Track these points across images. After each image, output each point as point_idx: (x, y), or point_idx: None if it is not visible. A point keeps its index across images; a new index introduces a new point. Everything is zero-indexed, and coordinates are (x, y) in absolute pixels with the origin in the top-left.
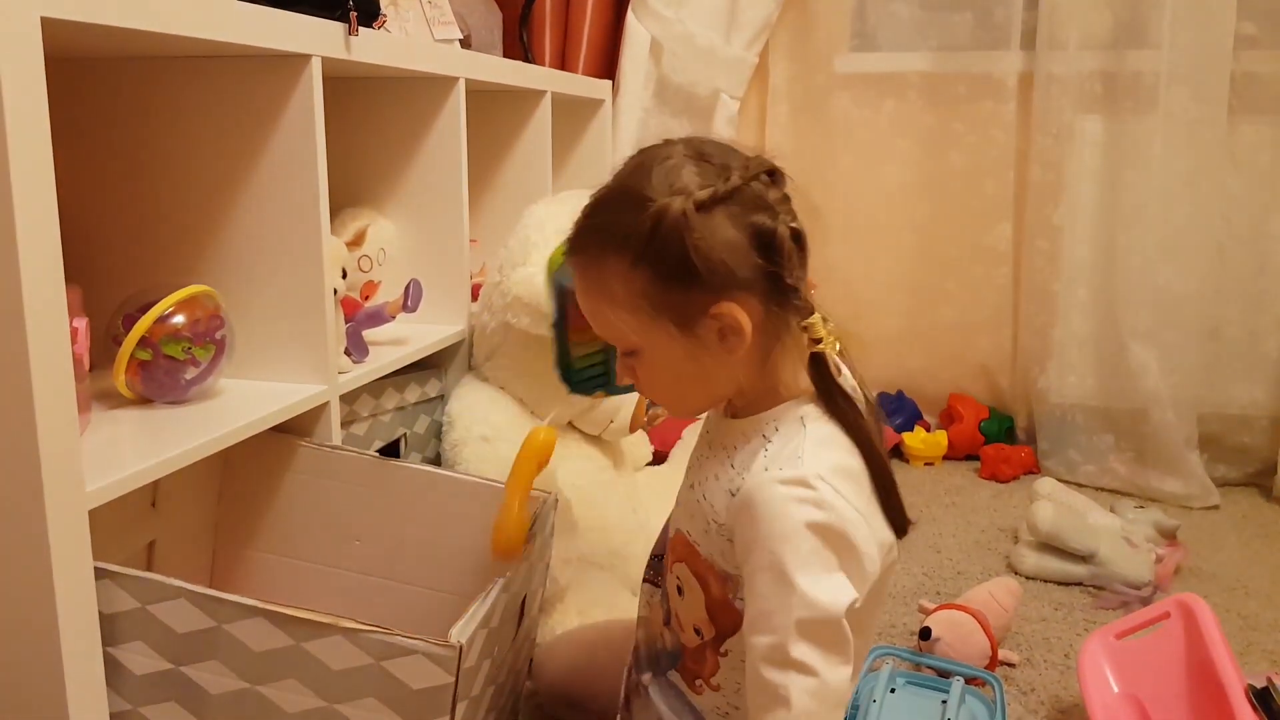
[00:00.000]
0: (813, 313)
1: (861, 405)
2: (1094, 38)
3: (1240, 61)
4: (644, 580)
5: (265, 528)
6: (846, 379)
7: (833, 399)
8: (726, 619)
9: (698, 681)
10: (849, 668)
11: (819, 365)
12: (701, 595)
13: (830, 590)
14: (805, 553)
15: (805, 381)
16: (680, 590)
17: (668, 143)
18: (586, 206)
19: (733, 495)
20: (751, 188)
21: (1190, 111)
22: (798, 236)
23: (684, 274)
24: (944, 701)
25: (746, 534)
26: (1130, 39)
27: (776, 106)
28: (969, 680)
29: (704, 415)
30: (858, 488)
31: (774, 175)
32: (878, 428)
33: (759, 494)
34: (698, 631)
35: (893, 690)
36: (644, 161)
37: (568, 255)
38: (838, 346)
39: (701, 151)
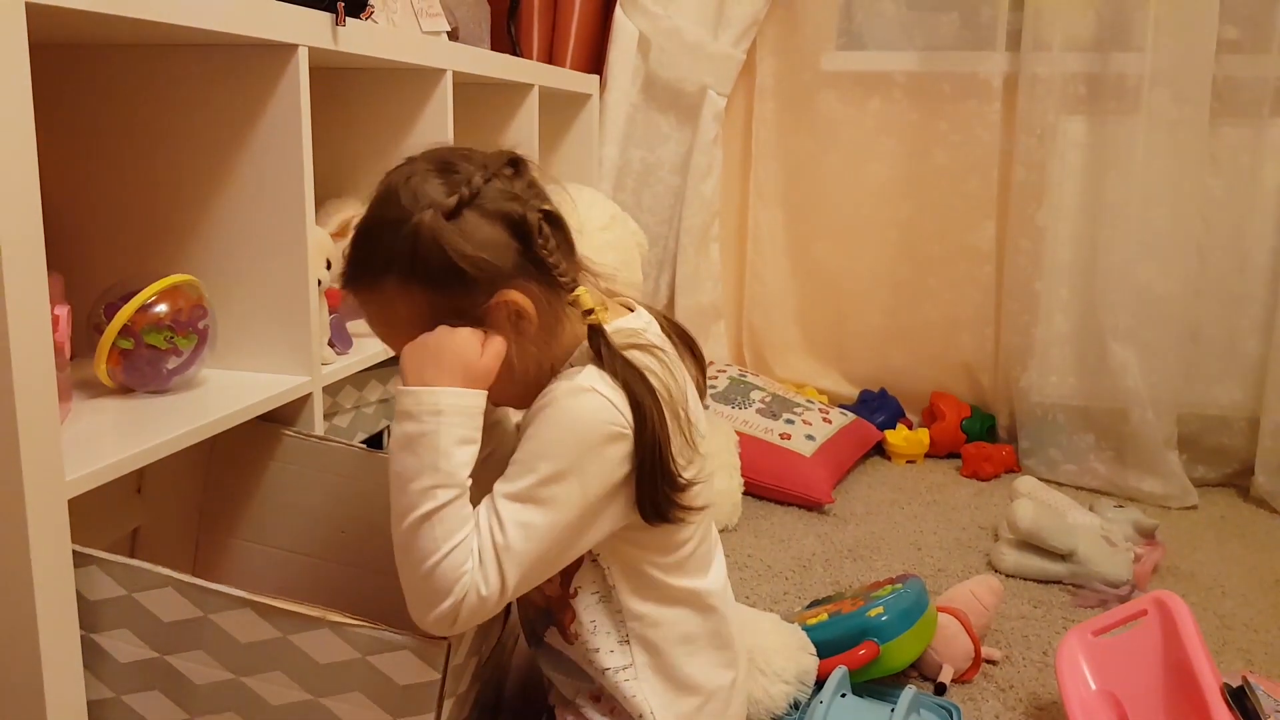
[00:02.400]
0: (576, 286)
1: (662, 377)
2: (1078, 39)
3: (1222, 65)
4: None
5: (250, 516)
6: (663, 353)
7: (612, 365)
8: None
9: (570, 631)
10: None
11: (596, 338)
12: None
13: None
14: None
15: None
16: None
17: (409, 161)
18: (351, 240)
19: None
20: (493, 185)
21: (1172, 113)
22: (550, 218)
23: (455, 278)
24: (891, 710)
25: (533, 422)
26: (1114, 41)
27: (763, 103)
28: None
29: None
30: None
31: (516, 165)
32: (665, 405)
33: (552, 392)
34: (554, 581)
35: (843, 695)
36: (390, 184)
37: (345, 290)
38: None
39: (442, 161)
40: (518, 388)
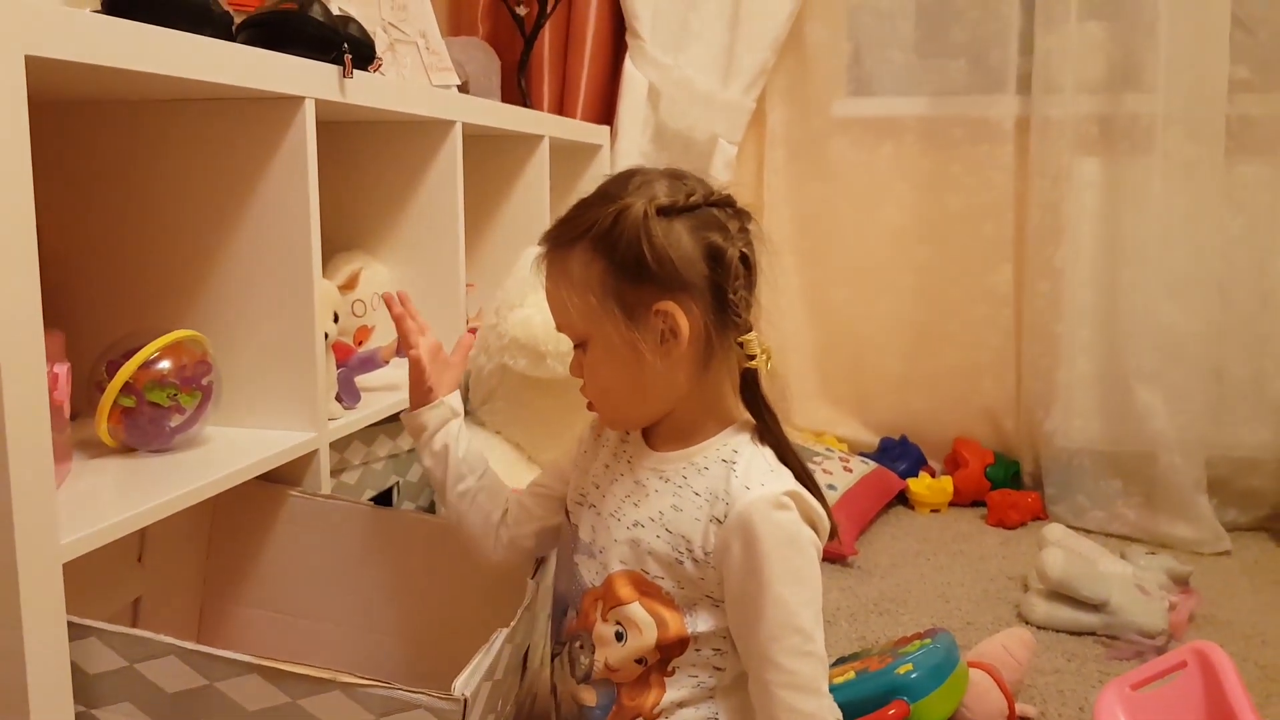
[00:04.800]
0: (750, 330)
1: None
2: (1089, 81)
3: (1235, 104)
4: (553, 655)
5: (254, 581)
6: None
7: (764, 420)
8: (677, 644)
9: (638, 719)
10: None
11: (750, 384)
12: (655, 632)
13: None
14: (805, 567)
15: (739, 409)
16: (621, 635)
17: (651, 168)
18: (576, 202)
19: (720, 522)
20: (710, 209)
21: (1187, 153)
22: (746, 260)
23: (635, 268)
24: None
25: (746, 554)
26: (1125, 82)
27: (774, 151)
28: None
29: (602, 443)
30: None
31: (735, 209)
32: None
33: (754, 514)
34: (640, 661)
35: None
36: (626, 173)
37: (540, 244)
38: (770, 365)
39: (677, 173)
40: (641, 408)
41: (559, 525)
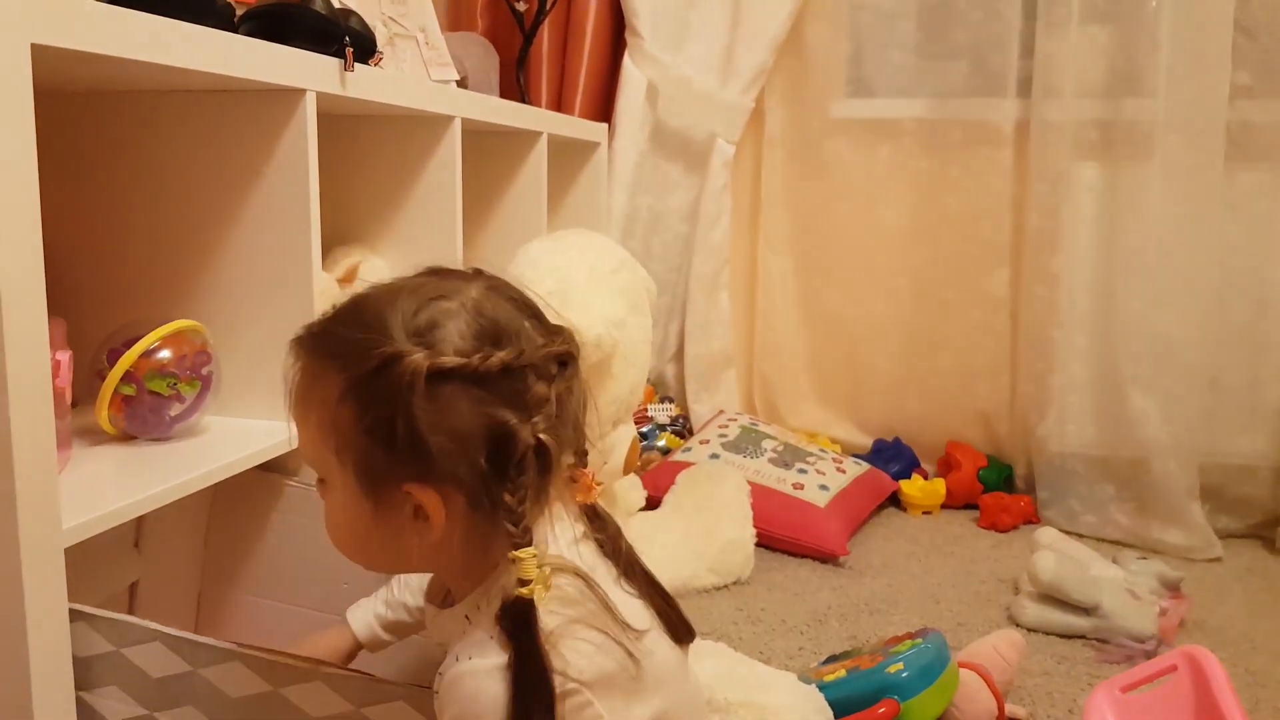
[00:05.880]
0: (527, 541)
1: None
2: (1090, 86)
3: (1236, 110)
4: None
5: (252, 570)
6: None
7: (524, 662)
8: None
9: None
10: None
11: (516, 616)
12: None
13: None
14: None
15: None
16: None
17: (469, 278)
18: (348, 300)
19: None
20: (516, 375)
21: (1187, 159)
22: (542, 451)
23: (389, 437)
24: None
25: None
26: (1126, 87)
27: (772, 151)
28: None
29: None
30: None
31: (565, 366)
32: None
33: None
34: None
35: None
36: (424, 287)
37: (301, 334)
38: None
39: (486, 311)
40: (383, 565)
41: None
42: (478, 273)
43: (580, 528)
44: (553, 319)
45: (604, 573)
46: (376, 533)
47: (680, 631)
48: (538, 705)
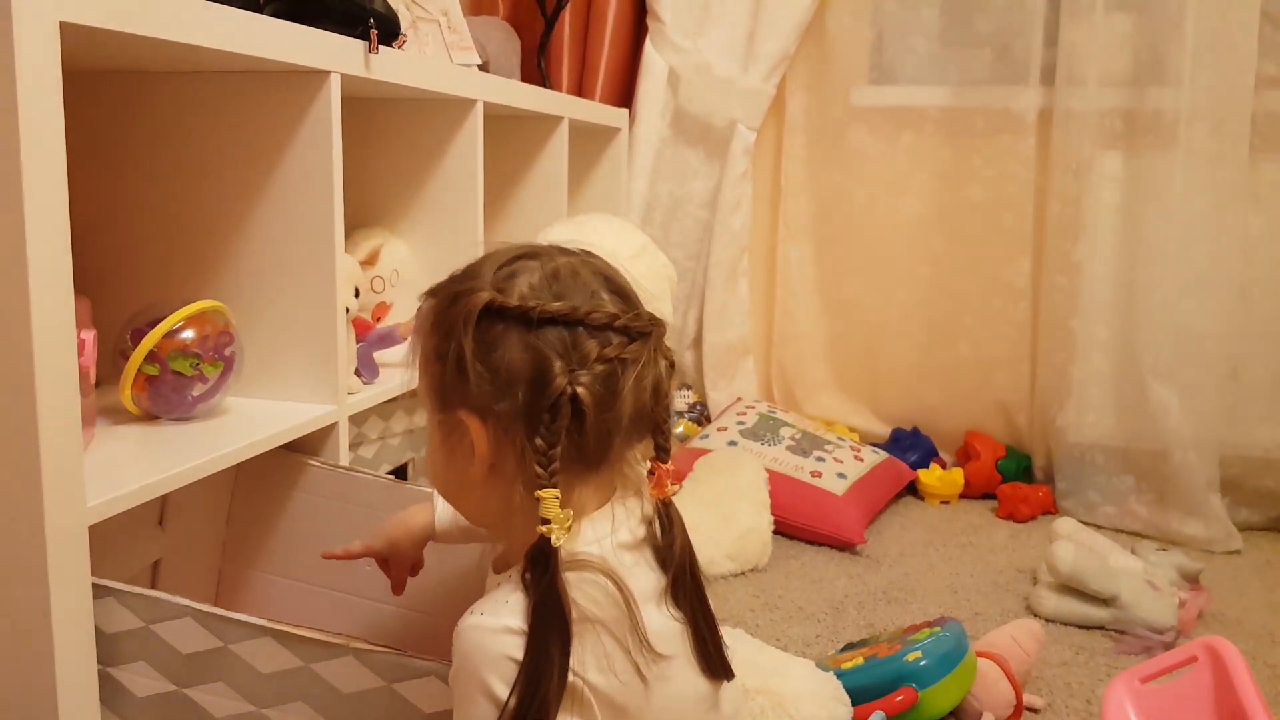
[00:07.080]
0: (548, 486)
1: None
2: (1113, 74)
3: (1262, 100)
4: None
5: (272, 548)
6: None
7: (538, 595)
8: None
9: None
10: None
11: (538, 559)
12: None
13: None
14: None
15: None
16: None
17: (571, 253)
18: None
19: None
20: (569, 328)
21: (1211, 149)
22: (578, 401)
23: (454, 364)
24: None
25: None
26: (1150, 76)
27: (793, 138)
28: None
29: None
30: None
31: (631, 341)
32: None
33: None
34: None
35: None
36: (527, 251)
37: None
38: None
39: (563, 273)
40: (462, 504)
41: None
42: (585, 254)
43: (641, 531)
44: (646, 309)
45: (644, 584)
46: (443, 457)
47: (715, 668)
48: (554, 643)
